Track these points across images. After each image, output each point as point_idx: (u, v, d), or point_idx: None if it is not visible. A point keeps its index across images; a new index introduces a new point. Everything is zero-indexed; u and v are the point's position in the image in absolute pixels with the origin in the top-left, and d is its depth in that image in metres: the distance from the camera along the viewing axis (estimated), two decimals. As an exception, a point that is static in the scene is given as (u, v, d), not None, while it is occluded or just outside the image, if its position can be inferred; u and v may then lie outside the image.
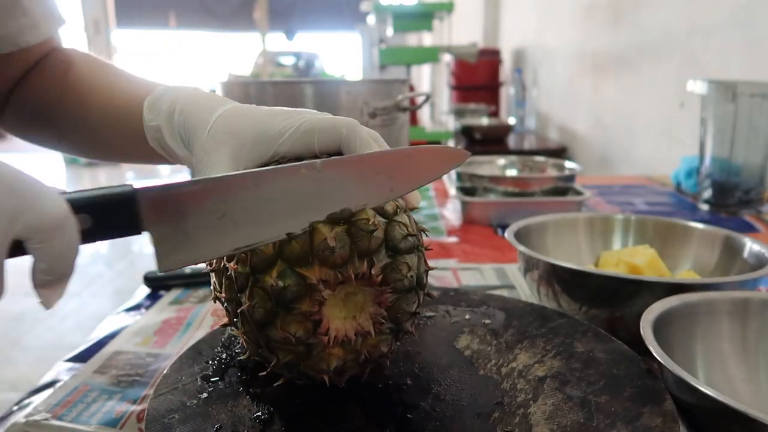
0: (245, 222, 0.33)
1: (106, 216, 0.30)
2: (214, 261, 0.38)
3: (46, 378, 0.48)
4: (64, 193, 0.30)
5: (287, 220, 0.34)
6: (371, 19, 2.84)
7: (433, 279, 0.69)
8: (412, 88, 1.04)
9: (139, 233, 0.31)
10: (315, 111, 0.41)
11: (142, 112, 0.46)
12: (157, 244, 0.31)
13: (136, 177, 6.74)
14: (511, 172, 1.13)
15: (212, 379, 0.41)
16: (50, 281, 0.31)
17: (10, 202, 0.27)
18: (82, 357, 0.51)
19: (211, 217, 0.32)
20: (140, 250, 3.96)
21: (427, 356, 0.45)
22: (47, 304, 0.32)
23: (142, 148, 0.48)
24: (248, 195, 0.33)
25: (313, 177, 0.34)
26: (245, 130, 0.40)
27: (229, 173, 0.34)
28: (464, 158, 0.37)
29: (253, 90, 0.79)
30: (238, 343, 0.47)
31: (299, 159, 0.39)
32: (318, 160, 0.34)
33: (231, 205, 0.32)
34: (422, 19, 2.17)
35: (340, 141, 0.38)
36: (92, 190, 0.30)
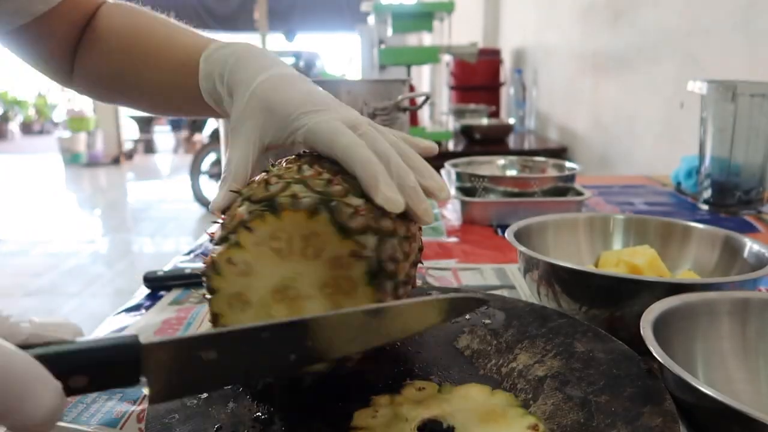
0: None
1: (105, 374, 0.27)
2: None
3: (46, 378, 0.48)
4: (60, 345, 0.26)
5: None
6: (371, 20, 2.84)
7: (433, 279, 0.69)
8: (412, 89, 1.04)
9: (136, 384, 0.29)
10: (342, 104, 0.43)
11: (198, 66, 0.48)
12: (152, 387, 0.29)
13: (135, 178, 6.75)
14: (511, 172, 1.13)
15: (212, 380, 0.41)
16: None
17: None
18: (82, 357, 0.51)
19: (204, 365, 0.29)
20: (140, 250, 3.97)
21: (427, 356, 0.45)
22: None
23: (200, 103, 0.50)
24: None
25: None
26: (276, 109, 0.42)
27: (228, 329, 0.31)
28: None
29: (253, 90, 0.79)
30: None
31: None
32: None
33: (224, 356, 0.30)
34: (422, 19, 2.17)
35: (341, 157, 0.38)
36: (94, 342, 0.27)
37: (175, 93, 0.53)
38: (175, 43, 0.53)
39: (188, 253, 0.83)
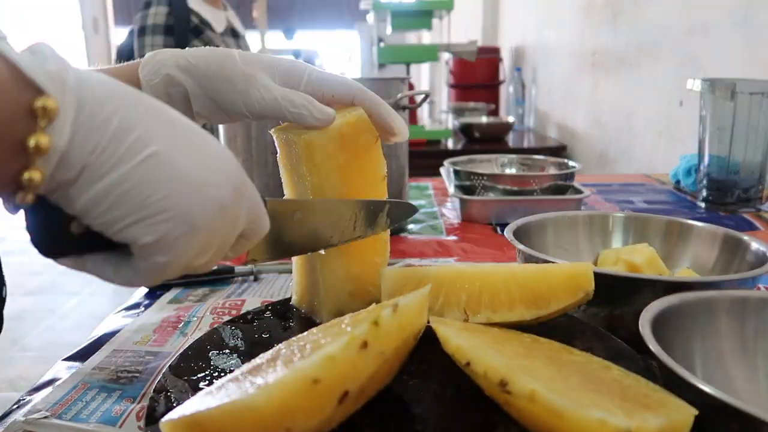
0: None
1: None
2: None
3: (46, 377, 0.48)
4: None
5: None
6: (370, 18, 2.84)
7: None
8: (411, 87, 1.04)
9: None
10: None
11: (136, 81, 0.46)
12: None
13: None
14: (511, 171, 1.13)
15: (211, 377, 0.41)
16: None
17: (253, 214, 0.35)
18: (82, 356, 0.51)
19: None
20: (139, 248, 3.95)
21: (427, 355, 0.45)
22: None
23: None
24: None
25: None
26: (273, 63, 0.46)
27: None
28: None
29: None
30: (238, 339, 0.47)
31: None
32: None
33: None
34: (421, 17, 2.17)
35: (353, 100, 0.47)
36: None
37: None
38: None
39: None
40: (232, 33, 1.88)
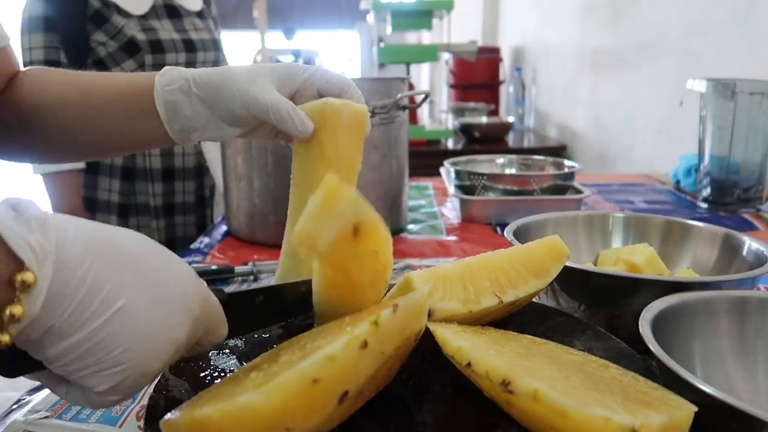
0: None
1: None
2: None
3: (46, 376, 0.48)
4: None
5: None
6: (371, 18, 2.84)
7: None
8: (411, 87, 1.04)
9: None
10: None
11: (150, 87, 0.51)
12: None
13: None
14: (511, 171, 1.13)
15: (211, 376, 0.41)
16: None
17: (211, 322, 0.36)
18: (82, 355, 0.51)
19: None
20: (139, 248, 3.95)
21: (426, 355, 0.45)
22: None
23: (144, 125, 0.53)
24: None
25: None
26: (273, 68, 0.50)
27: None
28: None
29: (252, 88, 0.79)
30: (238, 339, 0.47)
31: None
32: None
33: None
34: (421, 17, 2.16)
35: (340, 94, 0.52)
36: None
37: (121, 114, 0.53)
38: (115, 76, 0.55)
39: (188, 253, 0.83)
40: (169, 12, 1.22)
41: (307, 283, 0.41)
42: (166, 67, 0.52)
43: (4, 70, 0.55)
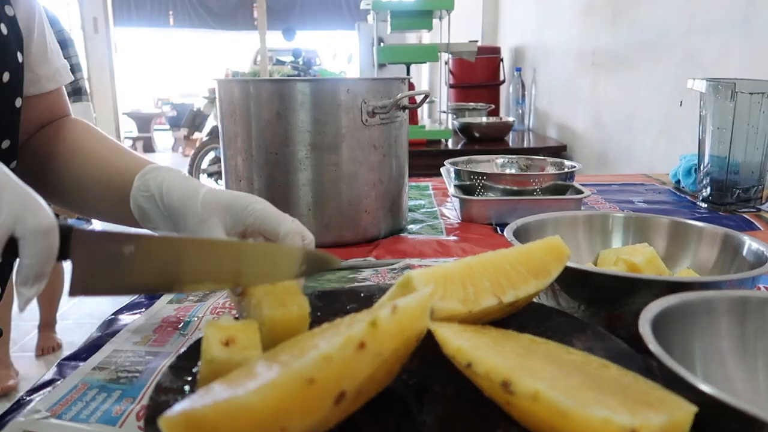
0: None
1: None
2: None
3: (46, 377, 0.48)
4: None
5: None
6: (370, 18, 2.84)
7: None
8: (411, 87, 1.04)
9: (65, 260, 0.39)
10: (268, 204, 0.52)
11: (131, 182, 0.56)
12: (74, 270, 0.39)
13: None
14: (510, 171, 1.13)
15: (211, 378, 0.41)
16: (31, 278, 0.38)
17: (18, 206, 0.36)
18: (82, 356, 0.51)
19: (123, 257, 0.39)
20: (139, 248, 3.95)
21: (426, 354, 0.45)
22: (23, 303, 0.39)
23: (122, 213, 0.58)
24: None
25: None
26: (232, 206, 0.52)
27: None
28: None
29: (252, 88, 0.79)
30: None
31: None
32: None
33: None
34: (421, 17, 2.16)
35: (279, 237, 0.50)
36: None
37: (103, 197, 0.61)
38: (115, 157, 0.62)
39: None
40: None
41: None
42: (150, 167, 0.56)
43: (62, 110, 0.69)
